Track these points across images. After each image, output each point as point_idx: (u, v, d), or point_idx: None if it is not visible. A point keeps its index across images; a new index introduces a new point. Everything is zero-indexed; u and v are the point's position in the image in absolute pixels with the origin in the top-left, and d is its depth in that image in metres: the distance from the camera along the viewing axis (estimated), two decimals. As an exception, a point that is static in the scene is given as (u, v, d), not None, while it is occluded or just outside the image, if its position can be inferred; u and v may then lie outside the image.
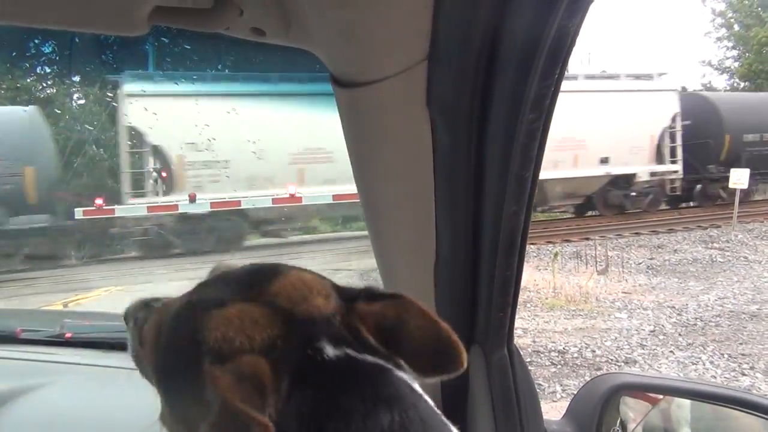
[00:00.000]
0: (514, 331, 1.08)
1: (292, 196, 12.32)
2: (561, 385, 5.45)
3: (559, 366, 6.11)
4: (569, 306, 8.54)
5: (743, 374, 5.51)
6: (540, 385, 5.59)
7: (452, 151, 0.83)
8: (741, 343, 6.43)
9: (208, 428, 0.51)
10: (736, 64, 36.57)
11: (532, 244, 13.89)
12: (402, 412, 0.54)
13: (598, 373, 5.84)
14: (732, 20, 37.62)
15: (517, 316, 4.31)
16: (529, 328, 7.53)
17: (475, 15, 0.68)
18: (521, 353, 4.39)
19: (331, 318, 0.61)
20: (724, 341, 6.55)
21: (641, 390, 1.26)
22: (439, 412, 0.58)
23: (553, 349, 6.59)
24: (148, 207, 12.37)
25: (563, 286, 9.35)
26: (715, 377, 5.52)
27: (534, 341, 6.90)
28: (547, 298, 8.96)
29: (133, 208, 12.40)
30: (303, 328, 0.59)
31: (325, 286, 0.65)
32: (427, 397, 0.59)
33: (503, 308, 0.98)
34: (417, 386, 0.60)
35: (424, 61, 0.75)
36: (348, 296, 0.64)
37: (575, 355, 6.38)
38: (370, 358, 0.59)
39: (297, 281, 0.64)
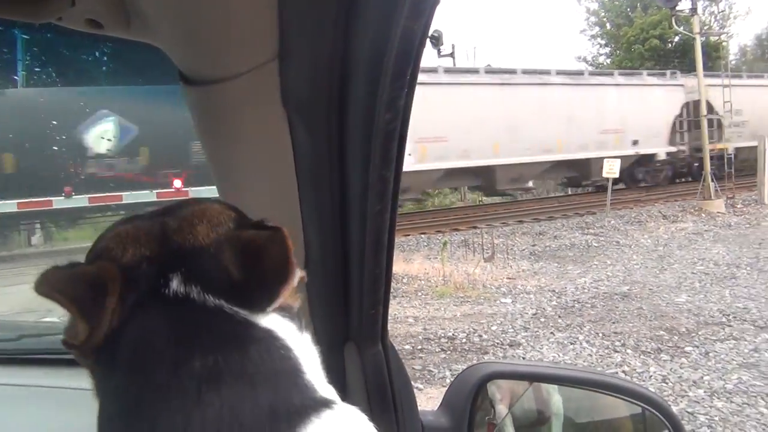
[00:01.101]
0: (388, 323, 1.08)
1: (177, 190, 11.87)
2: (450, 371, 5.61)
3: (449, 352, 6.29)
4: (458, 293, 8.81)
5: (615, 351, 5.91)
6: (431, 371, 5.73)
7: (313, 151, 0.83)
8: (614, 323, 6.90)
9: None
10: (608, 61, 39.09)
11: (422, 233, 14.21)
12: (220, 355, 0.54)
13: (485, 357, 6.07)
14: (605, 19, 40.18)
15: (409, 305, 4.36)
16: (420, 316, 7.70)
17: (320, 15, 0.68)
18: (412, 341, 4.44)
19: (203, 248, 0.61)
20: (599, 321, 7.00)
21: (510, 378, 1.31)
22: (286, 343, 0.59)
23: (443, 335, 6.77)
24: (18, 203, 11.51)
25: (452, 274, 9.63)
26: (591, 355, 5.88)
27: (425, 329, 7.06)
28: (437, 287, 9.19)
29: (4, 205, 11.50)
30: (169, 253, 0.60)
31: (224, 216, 0.65)
32: (278, 330, 0.60)
33: (375, 305, 0.98)
34: (272, 325, 0.60)
35: (275, 59, 0.74)
36: (241, 225, 0.65)
37: (464, 340, 6.59)
38: (211, 300, 0.58)
39: (201, 209, 0.65)
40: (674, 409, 4.30)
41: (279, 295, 0.60)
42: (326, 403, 0.55)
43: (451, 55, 23.51)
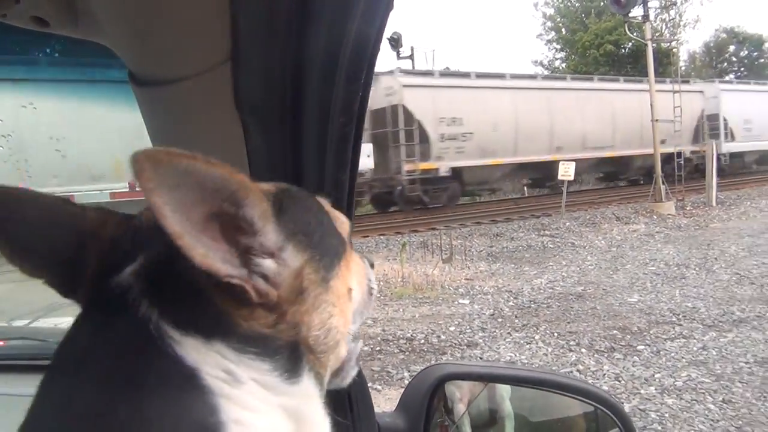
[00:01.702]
0: (363, 322, 1.07)
1: (132, 190, 11.60)
2: (409, 371, 5.62)
3: (407, 353, 6.30)
4: (417, 294, 8.84)
5: (570, 350, 6.01)
6: (389, 372, 5.73)
7: (268, 154, 0.81)
8: (569, 322, 7.02)
9: None
10: (564, 65, 39.88)
11: (382, 234, 14.23)
12: (112, 403, 0.43)
13: (443, 357, 6.11)
14: (560, 24, 40.99)
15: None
16: (379, 318, 7.70)
17: (272, 18, 0.67)
18: (371, 342, 4.42)
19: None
20: (554, 321, 7.11)
21: (465, 378, 1.32)
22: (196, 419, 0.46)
23: (401, 336, 6.78)
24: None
25: (411, 275, 9.66)
26: (546, 355, 5.97)
27: (383, 330, 7.06)
28: (396, 288, 9.20)
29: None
30: (132, 244, 0.53)
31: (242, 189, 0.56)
32: (206, 384, 0.46)
33: None
34: (196, 363, 0.47)
35: (227, 61, 0.73)
36: None
37: (422, 341, 6.61)
38: (144, 309, 0.48)
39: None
40: (626, 407, 4.42)
41: (227, 317, 0.49)
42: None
43: (410, 57, 23.61)
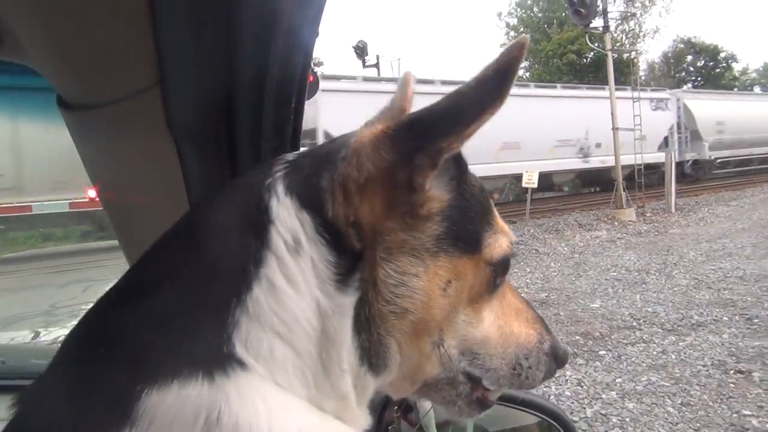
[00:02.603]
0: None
1: (92, 200, 11.36)
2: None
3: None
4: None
5: (534, 357, 6.06)
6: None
7: (204, 175, 0.81)
8: (532, 328, 7.07)
9: None
10: (528, 74, 40.47)
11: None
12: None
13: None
14: (523, 34, 41.57)
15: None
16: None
17: (198, 45, 0.68)
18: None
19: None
20: (519, 327, 7.15)
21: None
22: None
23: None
24: None
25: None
26: (510, 361, 6.00)
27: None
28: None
29: None
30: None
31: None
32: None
33: None
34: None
35: (156, 85, 0.73)
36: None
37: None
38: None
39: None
40: (588, 411, 4.47)
41: (323, 195, 0.61)
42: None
43: (376, 65, 23.69)
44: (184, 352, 0.50)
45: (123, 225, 0.90)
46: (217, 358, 0.51)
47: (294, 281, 0.55)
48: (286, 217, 0.56)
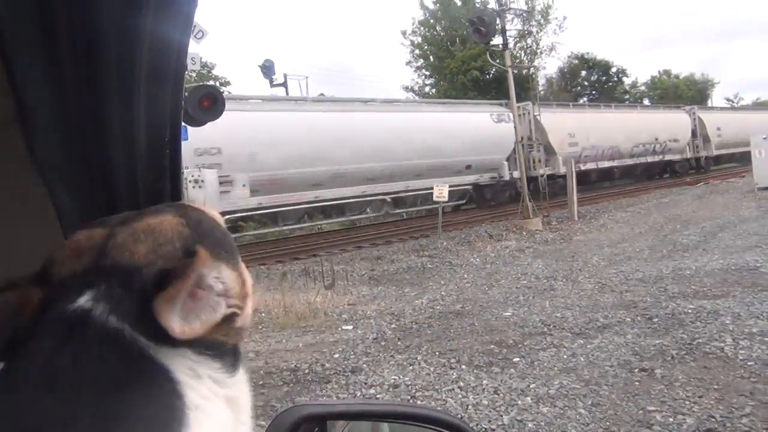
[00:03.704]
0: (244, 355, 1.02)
1: None
2: (294, 404, 5.48)
3: (291, 384, 6.18)
4: (300, 323, 8.73)
5: (451, 368, 6.15)
6: (273, 406, 5.57)
7: (78, 212, 0.76)
8: (449, 340, 7.19)
9: None
10: (434, 91, 41.48)
11: (262, 264, 13.95)
12: (88, 394, 0.50)
13: (328, 386, 6.04)
14: (428, 52, 42.68)
15: (249, 339, 4.17)
16: (261, 350, 7.50)
17: (56, 82, 0.64)
18: (254, 376, 4.25)
19: (136, 269, 0.57)
20: (436, 340, 7.25)
21: (323, 419, 1.29)
22: (174, 404, 0.54)
23: (285, 368, 6.63)
24: None
25: (293, 304, 9.52)
26: (429, 374, 6.06)
27: (266, 363, 6.88)
28: (278, 318, 9.03)
29: None
30: (98, 272, 0.57)
31: (174, 234, 0.60)
32: (178, 379, 0.55)
33: None
34: (168, 363, 0.56)
35: (14, 120, 0.69)
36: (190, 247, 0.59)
37: (306, 371, 6.50)
38: (114, 322, 0.54)
39: (152, 224, 0.60)
40: (505, 419, 4.56)
41: (193, 328, 0.56)
42: None
43: (284, 84, 23.57)
44: None
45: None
46: None
47: (208, 397, 0.59)
48: (171, 359, 0.58)
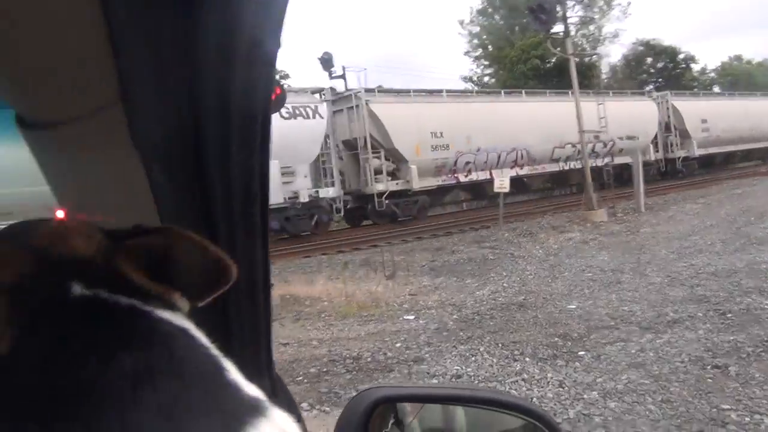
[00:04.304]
0: (272, 350, 1.05)
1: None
2: (356, 391, 5.54)
3: (354, 372, 6.25)
4: (361, 312, 8.80)
5: (515, 360, 6.09)
6: (337, 393, 5.66)
7: (174, 194, 0.79)
8: (512, 332, 7.11)
9: None
10: (493, 80, 40.93)
11: (323, 254, 14.14)
12: (148, 352, 0.50)
13: (391, 375, 6.08)
14: (486, 42, 42.12)
15: (312, 327, 4.30)
16: (325, 338, 7.62)
17: (158, 64, 0.66)
18: (317, 363, 4.37)
19: (90, 258, 0.56)
20: (498, 332, 7.19)
21: (398, 401, 1.30)
22: (206, 345, 0.55)
23: (347, 356, 6.72)
24: None
25: (355, 294, 9.63)
26: (492, 366, 6.02)
27: (329, 351, 6.99)
28: (340, 307, 9.14)
29: None
30: (55, 268, 0.55)
31: (90, 228, 0.60)
32: (195, 333, 0.56)
33: (256, 341, 0.95)
34: (184, 323, 0.56)
35: (118, 102, 0.71)
36: (116, 236, 0.59)
37: (369, 359, 6.57)
38: (124, 299, 0.54)
39: (59, 225, 0.60)
40: (571, 412, 4.49)
41: (214, 292, 0.60)
42: (259, 409, 0.51)
43: (342, 77, 23.70)
44: None
45: None
46: None
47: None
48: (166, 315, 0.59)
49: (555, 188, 26.99)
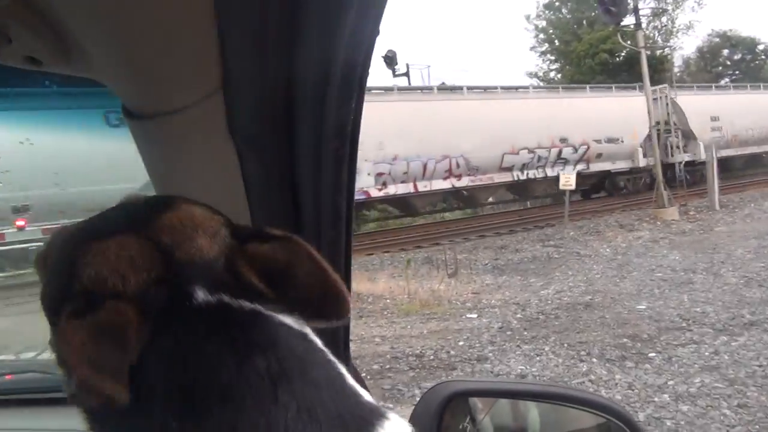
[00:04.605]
0: (353, 343, 1.07)
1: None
2: (419, 389, 5.57)
3: (417, 369, 6.26)
4: (424, 310, 8.80)
5: (581, 360, 5.97)
6: (400, 390, 5.69)
7: (264, 180, 0.82)
8: (578, 332, 6.97)
9: (69, 391, 0.51)
10: (559, 76, 40.04)
11: (386, 252, 14.20)
12: (278, 355, 0.53)
13: (453, 373, 6.06)
14: (553, 36, 41.25)
15: (375, 324, 4.33)
16: (387, 335, 7.66)
17: (261, 47, 0.68)
18: (380, 360, 4.40)
19: (213, 261, 0.58)
20: (563, 332, 7.06)
21: (474, 395, 1.30)
22: (325, 350, 0.58)
23: (410, 353, 6.74)
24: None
25: (417, 292, 9.63)
26: (557, 366, 5.92)
27: (392, 348, 7.02)
28: (402, 305, 9.17)
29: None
30: (180, 271, 0.56)
31: (215, 224, 0.62)
32: (314, 338, 0.58)
33: (335, 330, 0.97)
34: (304, 328, 0.59)
35: (219, 91, 0.73)
36: (241, 236, 0.62)
37: (431, 357, 6.57)
38: (247, 304, 0.56)
39: (186, 217, 0.61)
40: (641, 415, 4.37)
41: (323, 322, 0.61)
42: (382, 414, 0.54)
43: (406, 74, 23.74)
44: None
45: None
46: None
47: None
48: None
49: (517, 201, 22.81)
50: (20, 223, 11.40)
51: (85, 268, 0.55)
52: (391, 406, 5.19)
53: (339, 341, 1.00)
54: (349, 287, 0.95)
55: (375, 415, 0.53)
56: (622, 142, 21.02)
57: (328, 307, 0.61)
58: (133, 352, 0.51)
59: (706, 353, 5.76)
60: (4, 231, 11.30)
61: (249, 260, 0.59)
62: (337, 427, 0.50)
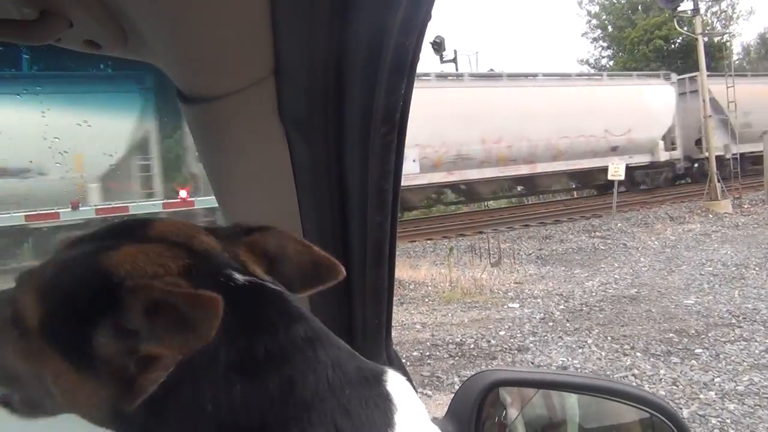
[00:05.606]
0: (394, 329, 1.09)
1: (183, 200, 11.85)
2: (459, 377, 5.59)
3: (457, 358, 6.27)
4: (465, 299, 8.79)
5: (625, 354, 5.88)
6: (439, 377, 5.71)
7: (311, 164, 0.83)
8: (622, 326, 6.86)
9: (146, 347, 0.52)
10: (611, 63, 39.03)
11: (428, 239, 14.19)
12: (306, 324, 0.61)
13: (494, 362, 6.05)
14: (606, 22, 40.18)
15: (416, 311, 4.36)
16: (428, 323, 7.68)
17: (313, 31, 0.69)
18: (420, 347, 4.42)
19: (221, 252, 0.64)
20: (607, 324, 6.96)
21: (515, 385, 1.30)
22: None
23: (450, 341, 6.75)
24: (26, 216, 11.49)
25: (459, 280, 9.61)
26: (600, 359, 5.85)
27: (432, 335, 7.04)
28: (444, 292, 9.17)
29: (10, 218, 11.47)
30: (207, 258, 0.61)
31: (200, 228, 0.67)
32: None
33: (377, 315, 1.00)
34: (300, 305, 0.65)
35: (271, 75, 0.75)
36: (224, 234, 0.67)
37: (472, 346, 6.56)
38: (271, 285, 0.63)
39: (176, 224, 0.65)
40: (685, 412, 4.29)
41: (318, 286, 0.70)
42: (383, 369, 0.63)
43: (454, 60, 23.52)
44: None
45: (235, 217, 0.94)
46: None
47: None
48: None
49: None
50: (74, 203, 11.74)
51: (118, 268, 0.56)
52: (430, 393, 5.23)
53: (381, 327, 1.02)
54: (392, 270, 0.98)
55: (379, 368, 0.62)
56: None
57: (323, 272, 0.69)
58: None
59: (756, 351, 5.60)
60: (58, 210, 11.65)
61: (246, 250, 0.66)
62: (360, 378, 0.59)
